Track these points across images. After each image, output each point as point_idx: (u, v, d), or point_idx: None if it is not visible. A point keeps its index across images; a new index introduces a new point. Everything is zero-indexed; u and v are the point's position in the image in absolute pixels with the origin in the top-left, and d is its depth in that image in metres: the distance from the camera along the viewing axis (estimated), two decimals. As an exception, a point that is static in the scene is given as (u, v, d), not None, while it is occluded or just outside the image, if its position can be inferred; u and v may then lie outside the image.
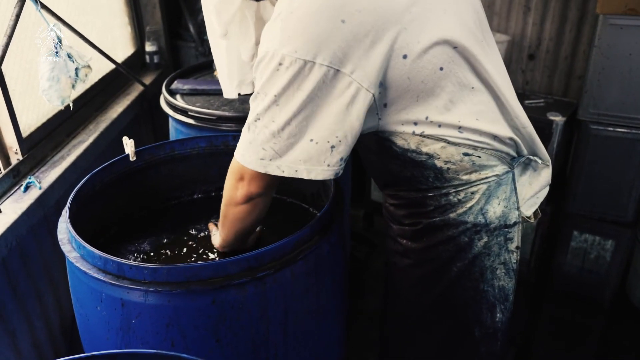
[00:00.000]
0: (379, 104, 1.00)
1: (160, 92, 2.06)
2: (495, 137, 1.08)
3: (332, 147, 1.00)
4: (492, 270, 1.17)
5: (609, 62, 1.97)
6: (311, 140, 0.99)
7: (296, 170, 1.02)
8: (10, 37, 1.23)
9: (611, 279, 2.28)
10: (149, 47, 2.52)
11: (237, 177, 1.11)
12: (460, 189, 1.09)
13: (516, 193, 1.13)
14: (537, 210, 1.22)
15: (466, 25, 1.03)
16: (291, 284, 1.15)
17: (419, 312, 1.25)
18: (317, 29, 0.92)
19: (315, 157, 1.00)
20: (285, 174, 1.03)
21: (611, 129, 2.05)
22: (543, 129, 2.14)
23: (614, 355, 2.18)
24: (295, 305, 1.18)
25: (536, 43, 2.39)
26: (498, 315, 1.23)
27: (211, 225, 1.45)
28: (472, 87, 1.03)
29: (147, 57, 2.54)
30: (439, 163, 1.06)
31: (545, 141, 2.16)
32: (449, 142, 1.04)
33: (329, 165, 1.02)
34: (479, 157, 1.07)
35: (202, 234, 1.48)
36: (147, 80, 2.41)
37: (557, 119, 2.14)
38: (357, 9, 0.93)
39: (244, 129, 1.05)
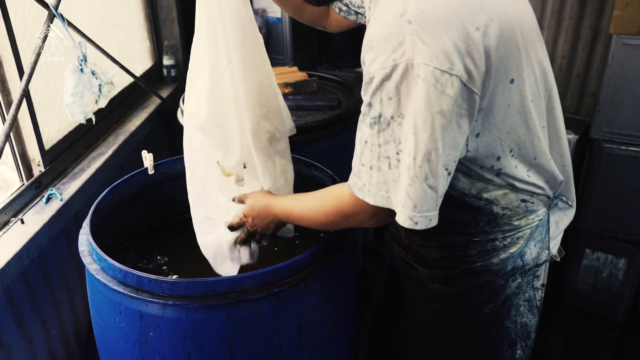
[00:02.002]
0: (472, 132, 0.89)
1: (176, 105, 2.11)
2: (548, 181, 1.04)
3: (449, 173, 0.88)
4: (517, 307, 1.13)
5: (622, 81, 1.98)
6: (446, 169, 0.86)
7: (430, 220, 0.88)
8: (38, 54, 1.27)
9: (624, 297, 2.27)
10: (167, 61, 2.57)
11: (369, 215, 0.97)
12: (508, 234, 1.04)
13: (548, 233, 1.10)
14: (560, 247, 1.20)
15: (546, 55, 1.00)
16: (305, 299, 1.17)
17: (440, 352, 1.20)
18: (455, 35, 0.80)
19: (440, 192, 0.88)
20: (418, 227, 0.88)
21: (624, 147, 2.06)
22: (555, 146, 2.15)
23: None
24: (309, 320, 1.20)
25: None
26: (518, 352, 1.18)
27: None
28: (543, 127, 1.00)
29: (165, 70, 2.59)
30: (496, 209, 1.01)
31: (558, 159, 2.17)
32: (512, 188, 0.99)
33: (441, 198, 0.89)
34: (533, 203, 1.03)
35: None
36: (164, 93, 2.46)
37: (570, 136, 2.14)
38: (490, 17, 0.84)
39: (379, 165, 0.88)
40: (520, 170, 0.98)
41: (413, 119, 0.81)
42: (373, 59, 0.83)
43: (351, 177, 0.96)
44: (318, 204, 1.07)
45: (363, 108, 0.88)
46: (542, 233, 1.08)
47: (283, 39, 2.61)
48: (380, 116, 0.84)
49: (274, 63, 2.59)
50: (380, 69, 0.82)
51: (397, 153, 0.85)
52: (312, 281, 1.17)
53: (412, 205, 0.86)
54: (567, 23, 2.31)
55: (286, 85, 2.20)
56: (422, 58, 0.79)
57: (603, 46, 2.26)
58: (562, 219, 1.14)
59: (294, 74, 2.25)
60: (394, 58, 0.80)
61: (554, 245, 1.16)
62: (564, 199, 1.12)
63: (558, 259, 1.19)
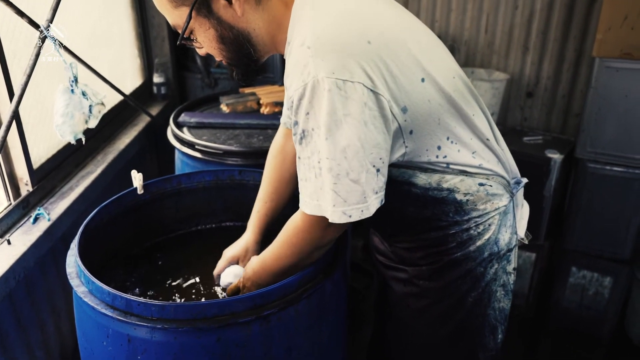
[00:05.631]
0: (405, 131, 1.01)
1: (166, 123, 2.11)
2: (499, 161, 1.15)
3: (378, 170, 0.97)
4: (495, 293, 1.22)
5: (605, 102, 2.02)
6: (367, 171, 0.95)
7: (362, 211, 0.97)
8: (29, 76, 1.27)
9: (609, 315, 2.29)
10: (157, 79, 2.58)
11: (322, 227, 1.04)
12: (479, 221, 1.13)
13: (515, 218, 1.20)
14: (526, 231, 1.28)
15: (455, 61, 1.15)
16: (295, 322, 1.17)
17: (432, 348, 1.27)
18: (348, 49, 0.93)
19: (370, 188, 0.97)
20: (352, 219, 0.97)
21: (608, 167, 2.10)
22: (541, 165, 2.18)
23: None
24: (298, 342, 1.19)
25: (534, 81, 2.46)
26: (499, 336, 1.27)
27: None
28: (473, 114, 1.11)
29: (155, 88, 2.59)
30: (459, 196, 1.10)
31: (543, 178, 2.20)
32: (467, 174, 1.10)
33: (377, 193, 0.98)
34: (491, 186, 1.13)
35: (203, 266, 1.50)
36: (154, 111, 2.46)
37: (555, 156, 2.18)
38: (379, 32, 0.97)
39: (309, 176, 0.98)
40: (464, 155, 1.09)
41: (325, 126, 0.93)
42: (290, 84, 0.98)
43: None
44: (282, 238, 1.15)
45: (293, 128, 0.99)
46: (511, 219, 1.19)
47: (273, 58, 2.63)
48: (304, 131, 0.97)
49: (265, 81, 2.62)
50: (295, 91, 0.95)
51: (319, 162, 0.96)
52: (302, 304, 1.16)
53: (343, 200, 0.96)
54: (552, 45, 2.36)
55: (276, 104, 2.22)
56: (324, 72, 0.92)
57: (587, 68, 2.32)
58: (520, 192, 1.24)
59: (284, 93, 2.26)
60: (303, 79, 0.94)
61: (521, 228, 1.25)
62: (523, 180, 1.23)
63: (526, 242, 1.27)
